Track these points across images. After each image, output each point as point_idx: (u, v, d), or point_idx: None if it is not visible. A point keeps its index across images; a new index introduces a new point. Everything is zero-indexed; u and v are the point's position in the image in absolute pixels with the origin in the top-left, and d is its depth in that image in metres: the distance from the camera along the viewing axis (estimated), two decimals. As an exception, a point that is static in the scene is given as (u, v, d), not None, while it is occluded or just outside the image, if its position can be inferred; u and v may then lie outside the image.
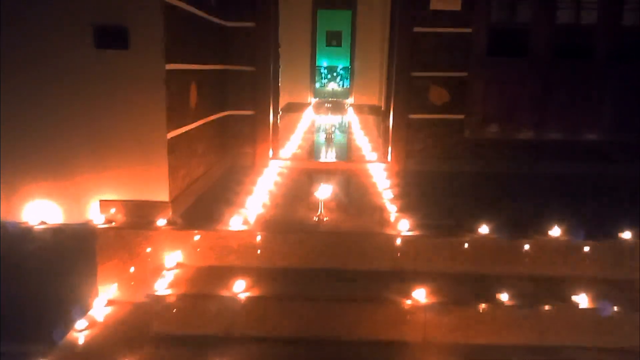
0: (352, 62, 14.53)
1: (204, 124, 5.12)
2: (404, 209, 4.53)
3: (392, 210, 4.49)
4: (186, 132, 4.50)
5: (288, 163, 6.38)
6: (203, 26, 5.10)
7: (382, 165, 6.29)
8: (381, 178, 5.74)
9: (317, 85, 15.66)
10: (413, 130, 6.25)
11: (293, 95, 13.71)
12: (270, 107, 6.32)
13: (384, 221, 4.27)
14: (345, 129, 10.32)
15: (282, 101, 12.06)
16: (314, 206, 4.38)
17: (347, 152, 7.55)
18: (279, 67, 8.56)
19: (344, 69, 17.56)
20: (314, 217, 4.23)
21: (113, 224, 3.97)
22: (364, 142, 8.08)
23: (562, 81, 6.18)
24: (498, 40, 6.20)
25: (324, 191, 4.24)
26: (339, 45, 17.71)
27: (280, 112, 10.50)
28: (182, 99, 4.40)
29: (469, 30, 6.05)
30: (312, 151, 7.59)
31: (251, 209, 4.46)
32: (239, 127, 6.28)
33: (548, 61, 6.15)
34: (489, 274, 3.91)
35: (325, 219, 4.22)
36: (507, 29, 6.33)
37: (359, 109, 13.59)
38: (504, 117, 6.24)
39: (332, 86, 16.32)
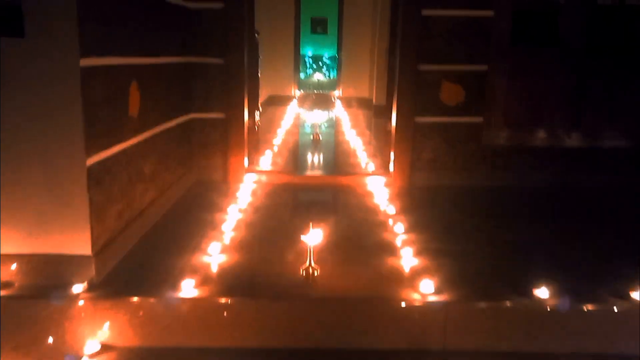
0: (339, 50, 13.25)
1: (155, 134, 3.87)
2: (422, 252, 3.34)
3: (405, 255, 3.30)
4: (123, 150, 3.26)
5: (267, 178, 5.14)
6: (153, 6, 3.84)
7: (383, 180, 5.09)
8: (383, 198, 4.55)
9: (302, 76, 14.35)
10: (420, 136, 5.05)
11: (275, 88, 12.42)
12: (245, 107, 5.07)
13: (397, 275, 3.08)
14: (334, 126, 9.09)
15: (263, 94, 10.79)
16: (300, 251, 3.18)
17: (339, 159, 6.32)
18: (258, 57, 7.31)
19: (330, 58, 16.25)
20: (301, 271, 3.02)
21: (12, 288, 2.73)
22: (357, 145, 6.87)
23: (601, 76, 5.02)
24: (524, 26, 5.01)
25: (314, 236, 3.03)
26: (324, 32, 16.35)
27: (260, 109, 9.25)
28: (116, 106, 3.15)
29: (489, 13, 4.84)
30: (296, 159, 6.35)
31: (215, 255, 3.23)
32: (207, 133, 5.03)
33: (584, 51, 4.97)
34: (552, 353, 2.75)
35: (316, 273, 3.01)
36: (535, 12, 5.12)
37: (347, 102, 12.36)
38: (532, 119, 5.07)
39: (318, 77, 15.01)
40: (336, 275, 3.04)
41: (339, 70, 13.38)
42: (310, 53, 16.38)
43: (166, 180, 4.19)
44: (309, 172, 5.47)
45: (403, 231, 3.71)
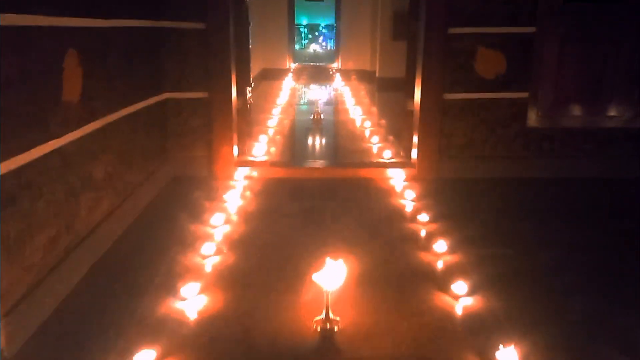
0: (337, 19, 12.14)
1: (110, 124, 2.88)
2: (480, 286, 2.40)
3: (458, 289, 2.35)
4: (56, 151, 2.27)
5: (262, 171, 4.17)
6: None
7: (404, 172, 4.12)
8: (408, 196, 3.59)
9: (297, 47, 13.23)
10: (451, 117, 4.07)
11: (268, 60, 11.35)
12: (233, 84, 4.06)
13: (449, 326, 2.14)
14: (336, 103, 8.07)
15: (255, 67, 9.74)
16: (310, 288, 2.24)
17: (345, 144, 5.32)
18: (249, 23, 6.27)
19: (327, 27, 15.07)
20: (315, 325, 2.09)
21: None
22: (365, 125, 5.88)
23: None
24: (580, -23, 4.00)
25: (332, 275, 2.07)
26: (320, -1, 15.18)
27: (252, 84, 8.22)
28: (40, 88, 2.15)
29: (538, -40, 3.84)
30: (296, 145, 5.34)
31: (190, 299, 2.28)
32: (185, 118, 4.03)
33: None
34: None
35: (336, 328, 2.08)
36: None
37: (347, 75, 11.31)
38: (590, 95, 4.08)
39: (314, 48, 13.88)
40: (364, 332, 2.10)
41: (337, 40, 12.29)
42: (305, 22, 15.19)
43: (130, 182, 3.21)
44: (311, 163, 4.48)
45: (446, 249, 2.76)
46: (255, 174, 4.11)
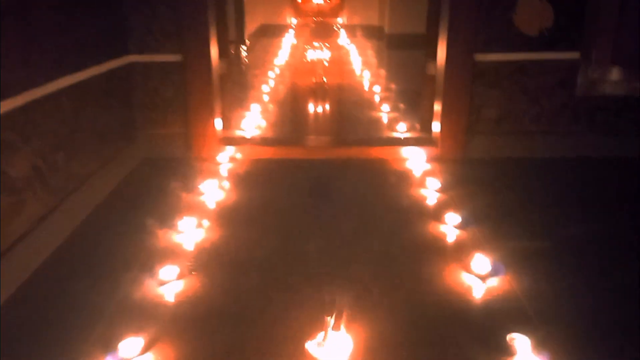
0: (342, -32, 11.11)
1: (35, 101, 2.12)
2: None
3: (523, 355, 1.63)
4: None
5: (250, 151, 3.42)
6: None
7: (424, 152, 3.37)
8: (433, 186, 2.85)
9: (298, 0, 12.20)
10: (483, 84, 3.29)
11: (268, 15, 10.42)
12: (213, 44, 3.27)
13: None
14: (341, 64, 7.22)
15: (253, 24, 8.87)
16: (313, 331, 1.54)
17: (352, 114, 4.52)
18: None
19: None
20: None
21: None
22: (374, 91, 5.08)
23: None
24: None
25: (332, 347, 1.36)
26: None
27: (248, 42, 7.38)
28: None
29: None
30: (294, 118, 4.53)
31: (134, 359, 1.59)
32: (155, 87, 3.26)
33: None
34: None
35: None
36: None
37: (353, 31, 10.39)
38: (657, 54, 3.27)
39: (317, 1, 12.81)
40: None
41: (342, -8, 11.28)
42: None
43: (75, 174, 2.48)
44: (312, 140, 3.71)
45: (489, 271, 2.02)
46: (240, 155, 3.35)
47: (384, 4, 9.14)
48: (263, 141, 3.54)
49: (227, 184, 2.91)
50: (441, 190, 2.82)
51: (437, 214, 2.53)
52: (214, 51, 3.27)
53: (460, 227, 2.41)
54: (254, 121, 3.95)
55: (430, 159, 3.31)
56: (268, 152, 3.41)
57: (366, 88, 5.35)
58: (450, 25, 3.18)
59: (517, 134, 3.36)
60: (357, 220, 2.51)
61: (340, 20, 11.04)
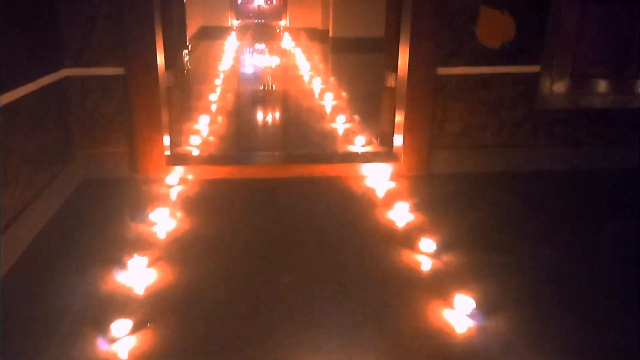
0: (283, -31, 10.88)
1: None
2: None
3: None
4: None
5: (201, 171, 3.14)
6: None
7: (388, 168, 3.22)
8: (399, 208, 2.69)
9: (239, 1, 11.86)
10: (445, 97, 3.17)
11: (207, 17, 10.05)
12: (157, 54, 2.98)
13: None
14: (287, 68, 7.00)
15: (193, 25, 8.49)
16: None
17: (304, 124, 4.30)
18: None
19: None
20: None
21: None
22: (326, 98, 4.90)
23: None
24: None
25: None
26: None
27: (189, 46, 7.01)
28: None
29: None
30: (244, 131, 4.27)
31: None
32: (95, 102, 2.94)
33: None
34: None
35: None
36: None
37: (296, 34, 10.19)
38: (616, 67, 3.26)
39: (258, 2, 12.51)
40: None
41: (284, -6, 11.06)
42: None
43: (11, 204, 2.14)
44: (262, 157, 3.46)
45: (472, 310, 1.88)
46: (189, 176, 3.08)
47: (327, 8, 9.00)
48: (213, 159, 3.27)
49: (177, 212, 2.64)
50: (408, 213, 2.67)
51: (407, 239, 2.37)
52: (160, 62, 2.98)
53: (434, 255, 2.25)
54: (203, 135, 3.69)
55: (394, 176, 3.16)
56: (219, 172, 3.14)
57: (317, 96, 5.16)
58: (412, 37, 3.04)
59: (479, 147, 3.27)
60: (322, 250, 2.32)
61: (282, 22, 10.80)
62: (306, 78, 6.05)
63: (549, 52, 3.15)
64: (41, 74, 2.53)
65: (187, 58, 6.44)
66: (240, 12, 10.94)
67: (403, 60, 3.15)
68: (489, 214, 2.71)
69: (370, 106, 4.01)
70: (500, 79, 3.17)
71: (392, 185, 3.05)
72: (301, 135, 3.98)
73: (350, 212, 2.70)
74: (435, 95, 3.15)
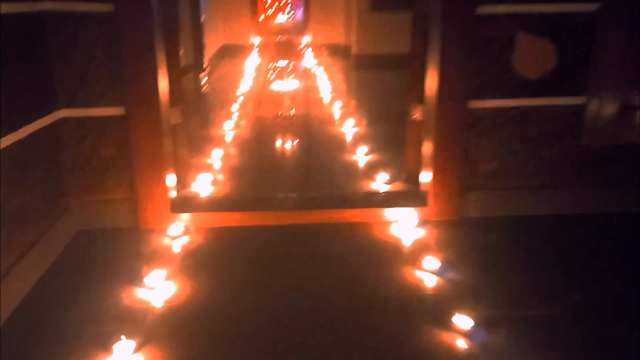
0: (305, -15, 10.65)
1: None
2: None
3: None
4: None
5: (209, 218, 2.85)
6: None
7: (415, 213, 2.88)
8: (433, 276, 2.35)
9: (260, 18, 11.67)
10: (478, 133, 2.83)
11: (229, 35, 9.86)
12: (160, 92, 2.72)
13: None
14: (308, 91, 6.71)
15: (215, 44, 8.33)
16: None
17: (325, 162, 3.93)
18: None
19: (294, -5, 13.52)
20: None
21: None
22: (346, 125, 4.59)
23: None
24: None
25: None
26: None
27: (208, 68, 6.81)
28: None
29: None
30: (258, 167, 3.86)
31: None
32: (91, 145, 2.68)
33: None
34: None
35: None
36: None
37: (318, 50, 9.93)
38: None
39: (280, 19, 12.31)
40: None
41: (306, 9, 10.81)
42: (269, -11, 13.55)
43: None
44: (279, 199, 3.11)
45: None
46: (195, 224, 2.79)
47: (350, 23, 8.72)
48: (221, 205, 2.96)
49: (176, 273, 2.35)
50: (441, 272, 2.33)
51: (441, 313, 2.03)
52: (164, 100, 2.71)
53: (473, 336, 1.91)
54: (213, 171, 3.41)
55: (420, 221, 2.82)
56: (228, 219, 2.85)
57: (337, 122, 4.85)
58: (442, 67, 2.71)
59: (516, 189, 2.91)
60: (346, 323, 2.00)
61: (305, 39, 10.56)
62: (326, 100, 5.76)
63: (595, 82, 2.79)
64: (31, 120, 2.28)
65: (205, 80, 6.24)
66: (261, 30, 10.72)
67: (431, 91, 2.83)
68: (535, 273, 2.35)
69: (394, 134, 3.70)
70: (540, 113, 2.82)
71: (420, 233, 2.72)
72: (320, 170, 3.67)
73: (374, 272, 2.37)
74: (467, 130, 2.81)
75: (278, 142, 4.38)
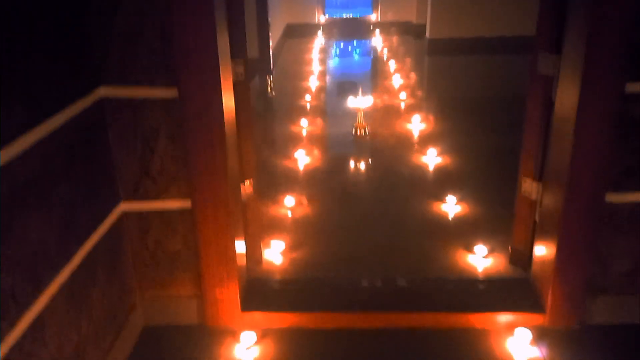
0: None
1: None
2: None
3: None
4: None
5: (285, 318, 2.45)
6: None
7: (528, 322, 2.39)
8: None
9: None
10: (612, 229, 2.28)
11: (294, 14, 9.28)
12: (229, 186, 2.31)
13: None
14: (381, 92, 6.14)
15: (280, 23, 7.84)
16: None
17: (403, 210, 3.30)
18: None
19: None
20: None
21: None
22: (429, 154, 4.05)
23: None
24: None
25: None
26: None
27: (273, 72, 6.32)
28: None
29: None
30: (339, 230, 3.17)
31: None
32: (157, 238, 2.32)
33: None
34: None
35: None
36: None
37: (387, 30, 9.25)
38: None
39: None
40: None
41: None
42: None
43: None
44: (366, 291, 2.59)
45: None
46: (267, 324, 2.41)
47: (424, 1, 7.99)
48: (297, 302, 2.51)
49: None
50: None
51: None
52: (235, 190, 2.31)
53: None
54: (286, 234, 3.01)
55: (536, 332, 2.33)
56: (305, 320, 2.44)
57: (417, 145, 4.32)
58: (576, 150, 2.15)
59: (656, 293, 2.36)
60: None
61: (373, 17, 9.81)
62: (402, 104, 5.22)
63: None
64: (94, 225, 1.95)
65: (271, 84, 5.80)
66: (327, 7, 10.02)
67: (557, 176, 2.28)
68: None
69: (489, 169, 3.16)
70: None
71: (535, 353, 2.23)
72: (403, 234, 3.09)
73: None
74: (598, 227, 2.26)
75: (354, 177, 3.91)
